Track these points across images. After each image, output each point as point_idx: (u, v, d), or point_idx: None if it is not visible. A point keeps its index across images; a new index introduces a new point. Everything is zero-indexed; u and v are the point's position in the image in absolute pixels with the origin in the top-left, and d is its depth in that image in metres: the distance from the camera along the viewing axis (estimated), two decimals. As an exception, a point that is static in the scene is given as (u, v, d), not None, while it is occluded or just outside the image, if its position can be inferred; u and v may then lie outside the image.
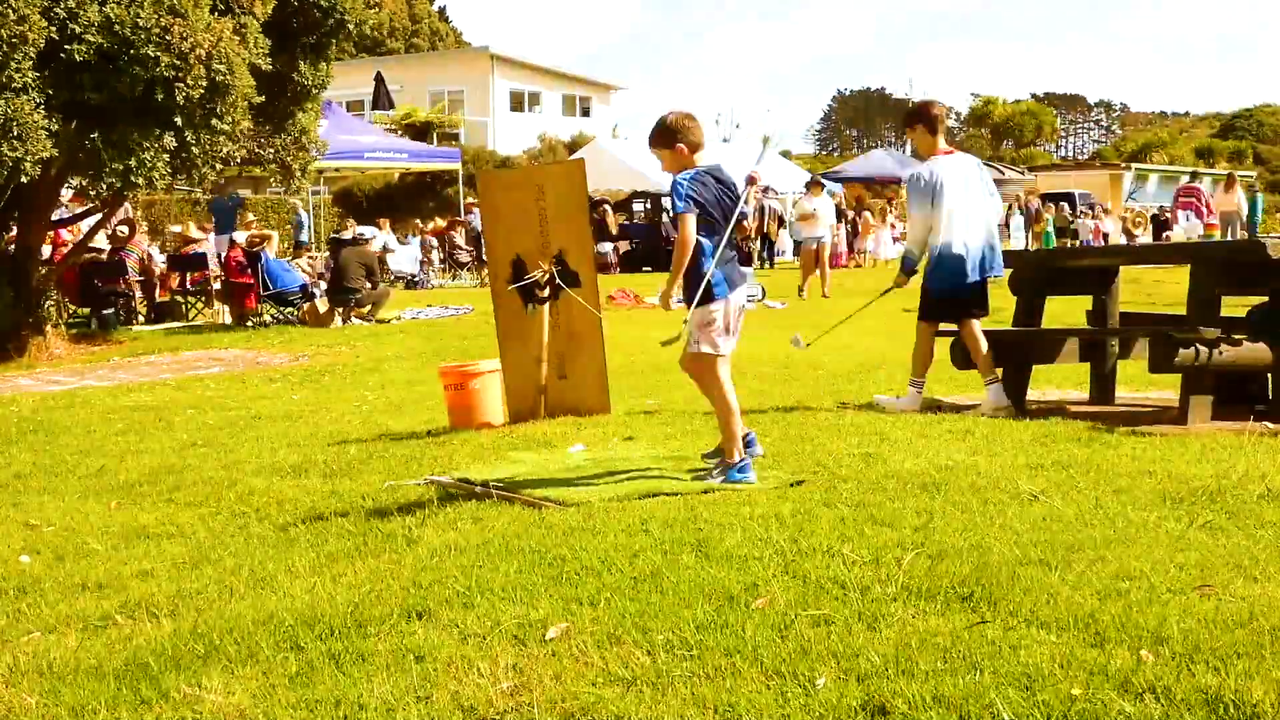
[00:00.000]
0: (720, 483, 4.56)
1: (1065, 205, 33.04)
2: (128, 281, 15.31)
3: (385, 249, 23.48)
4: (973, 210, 6.47)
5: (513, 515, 4.28)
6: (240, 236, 15.97)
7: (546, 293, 6.70)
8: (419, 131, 36.34)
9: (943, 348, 6.68)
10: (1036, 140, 71.39)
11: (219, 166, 11.88)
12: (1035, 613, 2.90)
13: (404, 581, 3.49)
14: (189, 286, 16.36)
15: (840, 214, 25.10)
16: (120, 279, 15.18)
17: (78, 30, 9.59)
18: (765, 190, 25.87)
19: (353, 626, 3.14)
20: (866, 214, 29.66)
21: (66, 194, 13.92)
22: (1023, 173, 43.44)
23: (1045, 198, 34.61)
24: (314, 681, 2.82)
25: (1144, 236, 29.10)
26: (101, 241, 15.05)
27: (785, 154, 46.03)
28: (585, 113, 49.50)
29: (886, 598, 3.05)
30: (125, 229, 15.79)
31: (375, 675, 2.81)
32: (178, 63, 9.93)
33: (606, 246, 23.99)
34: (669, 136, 4.77)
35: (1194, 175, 32.03)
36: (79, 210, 14.58)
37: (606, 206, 26.11)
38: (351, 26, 12.93)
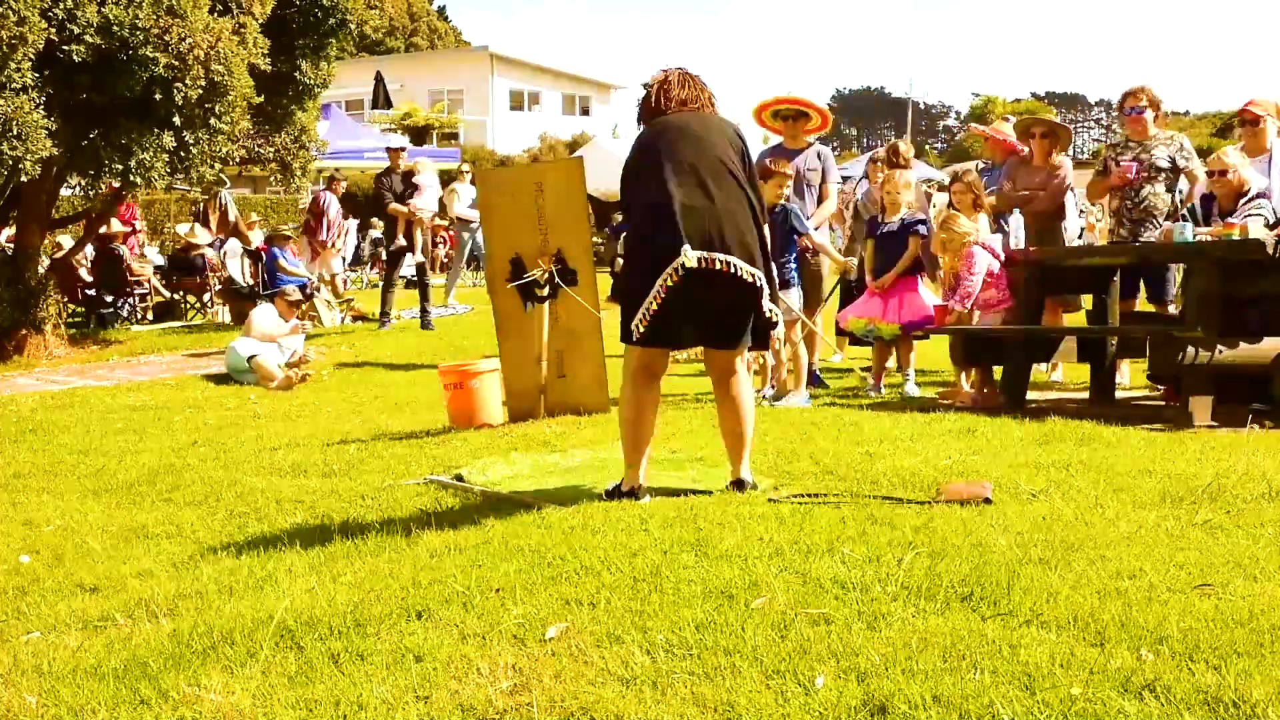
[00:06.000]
0: None
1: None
2: (126, 280, 15.30)
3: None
4: None
5: (512, 515, 4.28)
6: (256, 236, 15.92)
7: (546, 291, 6.70)
8: (418, 131, 36.33)
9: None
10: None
11: (218, 166, 11.86)
12: (1035, 612, 2.90)
13: (404, 581, 3.49)
14: (186, 292, 16.32)
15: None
16: (121, 278, 15.19)
17: (76, 31, 9.58)
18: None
19: (352, 626, 3.13)
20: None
21: (65, 193, 13.92)
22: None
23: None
24: (313, 681, 2.82)
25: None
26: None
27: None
28: (585, 112, 49.50)
29: (886, 597, 3.05)
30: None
31: (375, 675, 2.81)
32: (176, 63, 9.92)
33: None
34: None
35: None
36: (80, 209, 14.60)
37: None
38: (353, 26, 12.92)
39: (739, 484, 4.45)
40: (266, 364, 9.46)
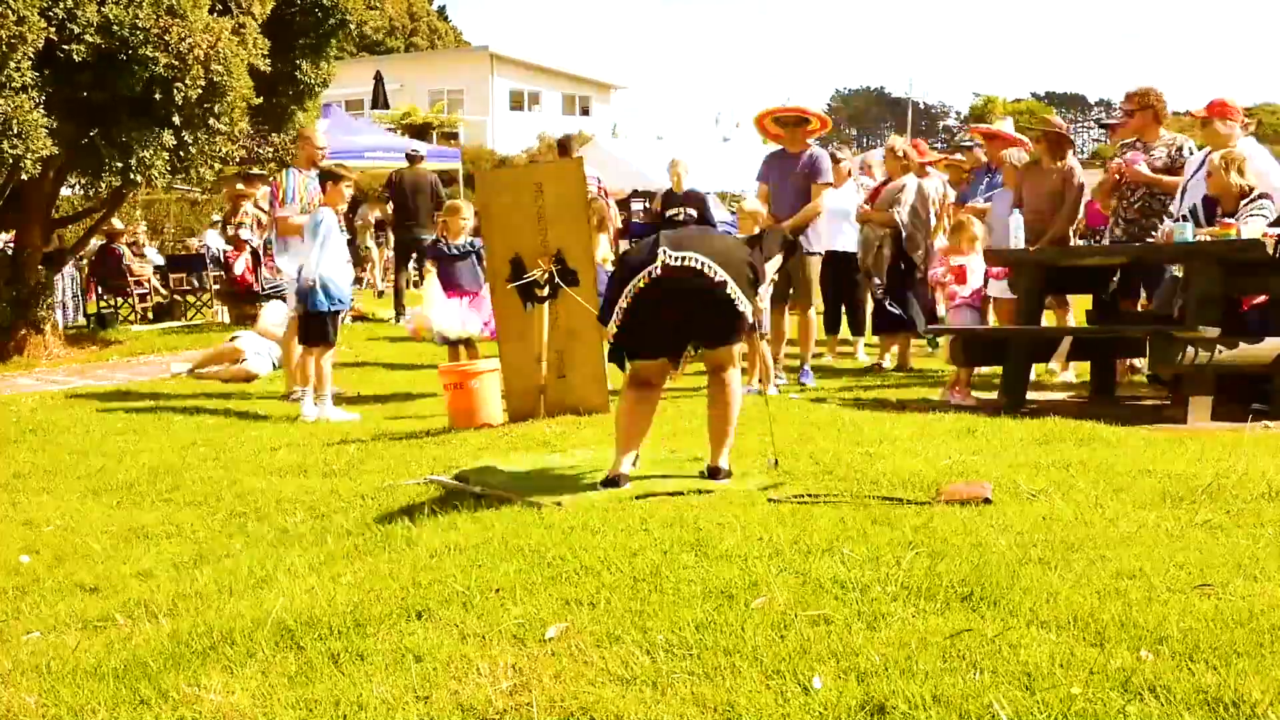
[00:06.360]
0: None
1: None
2: (126, 280, 15.30)
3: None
4: None
5: (512, 515, 4.28)
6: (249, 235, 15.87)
7: (546, 292, 6.70)
8: (418, 131, 36.28)
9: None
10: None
11: (217, 166, 11.86)
12: (1035, 612, 2.90)
13: (403, 581, 3.49)
14: (184, 287, 16.31)
15: None
16: (121, 277, 15.20)
17: (76, 30, 9.58)
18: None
19: (352, 626, 3.13)
20: None
21: (66, 192, 13.91)
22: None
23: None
24: (313, 681, 2.82)
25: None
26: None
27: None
28: (585, 112, 49.47)
29: (886, 597, 3.05)
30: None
31: (375, 675, 2.81)
32: (175, 63, 9.92)
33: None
34: None
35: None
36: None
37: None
38: (353, 27, 12.91)
39: (714, 471, 4.67)
40: (250, 366, 9.76)
